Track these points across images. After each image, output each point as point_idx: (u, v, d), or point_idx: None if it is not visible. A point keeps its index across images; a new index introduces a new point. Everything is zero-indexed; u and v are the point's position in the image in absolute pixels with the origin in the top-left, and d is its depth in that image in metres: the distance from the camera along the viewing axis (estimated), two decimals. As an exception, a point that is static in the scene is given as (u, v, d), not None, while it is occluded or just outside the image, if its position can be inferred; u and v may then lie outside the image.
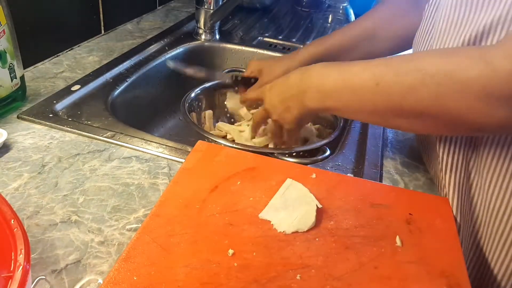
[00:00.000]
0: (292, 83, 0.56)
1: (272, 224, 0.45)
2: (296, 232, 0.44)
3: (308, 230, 0.44)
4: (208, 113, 0.81)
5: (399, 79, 0.45)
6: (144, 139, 0.61)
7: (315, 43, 0.74)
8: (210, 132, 0.75)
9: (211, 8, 0.98)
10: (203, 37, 1.02)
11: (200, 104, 0.80)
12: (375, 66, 0.48)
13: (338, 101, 0.51)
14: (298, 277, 0.39)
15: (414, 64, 0.44)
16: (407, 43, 0.67)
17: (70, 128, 0.61)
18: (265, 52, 1.00)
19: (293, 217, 0.45)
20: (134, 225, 0.46)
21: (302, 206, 0.46)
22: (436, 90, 0.42)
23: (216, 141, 0.63)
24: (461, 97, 0.41)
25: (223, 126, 0.81)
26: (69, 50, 0.86)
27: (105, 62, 0.83)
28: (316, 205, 0.46)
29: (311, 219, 0.45)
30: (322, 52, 0.72)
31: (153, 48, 0.93)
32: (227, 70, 0.93)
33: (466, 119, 0.42)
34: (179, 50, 0.97)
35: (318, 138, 0.74)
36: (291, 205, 0.47)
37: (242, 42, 1.04)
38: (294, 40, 1.10)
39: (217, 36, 1.03)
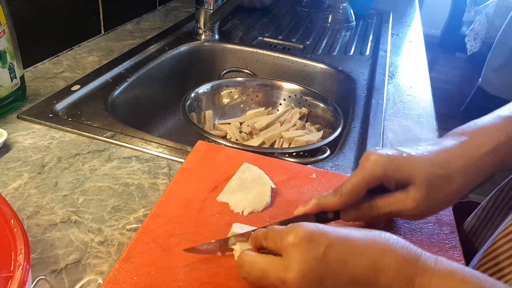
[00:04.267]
0: (385, 271, 0.32)
1: (230, 206, 0.46)
2: (253, 212, 0.46)
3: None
4: (208, 113, 0.81)
5: None
6: (144, 139, 0.61)
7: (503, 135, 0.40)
8: (210, 132, 0.75)
9: (211, 8, 0.98)
10: (203, 37, 1.02)
11: (200, 104, 0.80)
12: None
13: None
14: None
15: None
16: None
17: (70, 128, 0.61)
18: (265, 52, 1.00)
19: (248, 198, 0.47)
20: (134, 225, 0.46)
21: (257, 187, 0.48)
22: None
23: (216, 141, 0.63)
24: None
25: (223, 126, 0.81)
26: (69, 50, 0.86)
27: (105, 62, 0.83)
28: (271, 186, 0.48)
29: (265, 199, 0.47)
30: None
31: (153, 48, 0.93)
32: (226, 70, 0.94)
33: None
34: (179, 50, 0.97)
35: (319, 139, 0.74)
36: (246, 187, 0.49)
37: (242, 42, 1.04)
38: (294, 40, 1.10)
39: (217, 36, 1.03)
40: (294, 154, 0.63)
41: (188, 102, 0.75)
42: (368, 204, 0.41)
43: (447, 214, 0.48)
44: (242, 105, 0.86)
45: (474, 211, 0.56)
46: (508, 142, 0.40)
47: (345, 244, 0.33)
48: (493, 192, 0.54)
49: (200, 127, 0.74)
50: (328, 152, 0.62)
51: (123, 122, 0.65)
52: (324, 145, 0.64)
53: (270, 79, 0.88)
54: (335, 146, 0.66)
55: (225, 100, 0.85)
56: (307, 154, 0.66)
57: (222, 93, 0.84)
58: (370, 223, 0.44)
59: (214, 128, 0.82)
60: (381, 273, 0.32)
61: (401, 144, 0.67)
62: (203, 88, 0.81)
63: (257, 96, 0.85)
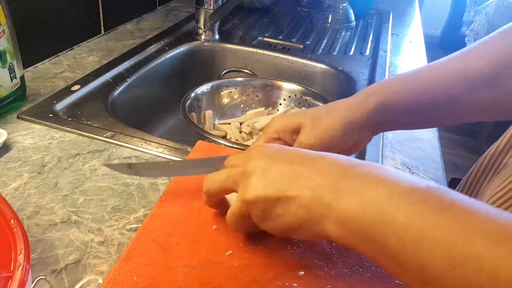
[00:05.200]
0: (318, 168, 0.35)
1: (228, 200, 0.45)
2: None
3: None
4: (208, 113, 0.81)
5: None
6: (144, 139, 0.61)
7: (389, 83, 0.47)
8: (210, 132, 0.75)
9: (211, 8, 0.98)
10: (203, 37, 1.02)
11: (200, 104, 0.80)
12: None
13: (390, 241, 0.30)
14: (301, 273, 0.39)
15: None
16: None
17: (70, 128, 0.61)
18: (265, 52, 1.00)
19: None
20: (134, 225, 0.46)
21: None
22: None
23: (216, 141, 0.63)
24: None
25: (223, 126, 0.81)
26: (69, 50, 0.86)
27: (105, 62, 0.83)
28: None
29: None
30: (402, 101, 0.45)
31: (153, 48, 0.93)
32: (226, 70, 0.94)
33: None
34: (179, 50, 0.97)
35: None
36: None
37: (242, 42, 1.04)
38: (294, 40, 1.10)
39: (217, 36, 1.03)
40: (294, 154, 0.63)
41: (188, 102, 0.75)
42: None
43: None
44: (242, 105, 0.86)
45: (457, 187, 0.58)
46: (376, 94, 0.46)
47: (301, 151, 0.38)
48: (472, 168, 0.55)
49: (200, 127, 0.74)
50: (328, 152, 0.62)
51: (123, 122, 0.65)
52: (324, 145, 0.64)
53: (270, 79, 0.88)
54: (335, 146, 0.66)
55: (225, 100, 0.85)
56: (307, 154, 0.66)
57: (222, 93, 0.84)
58: None
59: (214, 128, 0.82)
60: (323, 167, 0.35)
61: (402, 144, 0.67)
62: (203, 88, 0.81)
63: (257, 96, 0.85)
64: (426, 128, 0.52)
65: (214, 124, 0.82)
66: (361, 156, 0.62)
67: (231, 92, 0.85)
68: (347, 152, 0.48)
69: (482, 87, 0.44)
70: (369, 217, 0.31)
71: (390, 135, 0.69)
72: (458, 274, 0.26)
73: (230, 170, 0.39)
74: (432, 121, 0.49)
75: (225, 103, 0.85)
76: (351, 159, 0.35)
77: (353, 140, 0.46)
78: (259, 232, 0.40)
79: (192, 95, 0.78)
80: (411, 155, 0.64)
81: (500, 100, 0.44)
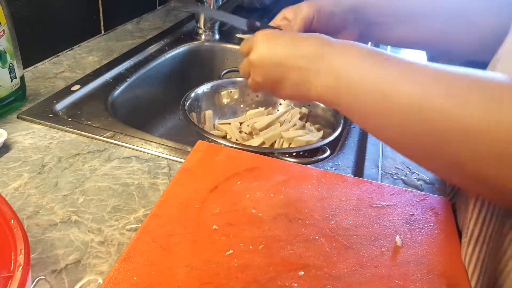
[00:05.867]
0: (303, 52, 0.41)
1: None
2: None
3: (308, 230, 0.44)
4: (208, 113, 0.81)
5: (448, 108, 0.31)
6: (144, 139, 0.61)
7: None
8: (210, 132, 0.75)
9: (211, 8, 0.98)
10: (203, 37, 1.02)
11: (200, 104, 0.80)
12: (429, 79, 0.35)
13: (355, 105, 0.37)
14: (301, 273, 0.39)
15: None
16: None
17: (70, 128, 0.61)
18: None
19: None
20: (134, 225, 0.46)
21: None
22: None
23: (216, 141, 0.63)
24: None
25: (223, 126, 0.81)
26: (69, 50, 0.86)
27: (105, 62, 0.83)
28: None
29: None
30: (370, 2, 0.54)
31: (153, 48, 0.93)
32: (226, 70, 0.93)
33: None
34: (179, 50, 0.97)
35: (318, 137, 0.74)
36: None
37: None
38: (294, 40, 1.10)
39: (217, 36, 1.03)
40: (294, 154, 0.63)
41: (188, 102, 0.75)
42: None
43: (447, 215, 0.48)
44: (242, 105, 0.86)
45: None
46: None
47: (292, 34, 0.45)
48: None
49: (200, 127, 0.74)
50: (328, 152, 0.62)
51: (123, 122, 0.65)
52: (324, 145, 0.64)
53: (270, 79, 0.87)
54: (335, 146, 0.66)
55: (225, 100, 0.85)
56: (307, 154, 0.66)
57: (222, 93, 0.84)
58: None
59: (214, 128, 0.82)
60: (303, 45, 0.42)
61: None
62: (203, 88, 0.81)
63: (257, 96, 0.85)
64: (409, 40, 0.61)
65: (214, 124, 0.82)
66: (361, 155, 0.62)
67: (231, 92, 0.85)
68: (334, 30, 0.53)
69: (455, 18, 0.54)
70: (341, 86, 0.38)
71: (390, 135, 0.69)
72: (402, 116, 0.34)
73: (244, 62, 0.49)
74: (410, 26, 0.56)
75: (225, 103, 0.85)
76: (330, 39, 0.42)
77: (337, 8, 0.52)
78: (259, 232, 0.40)
79: (192, 95, 0.78)
80: (411, 155, 0.64)
81: (472, 31, 0.54)
